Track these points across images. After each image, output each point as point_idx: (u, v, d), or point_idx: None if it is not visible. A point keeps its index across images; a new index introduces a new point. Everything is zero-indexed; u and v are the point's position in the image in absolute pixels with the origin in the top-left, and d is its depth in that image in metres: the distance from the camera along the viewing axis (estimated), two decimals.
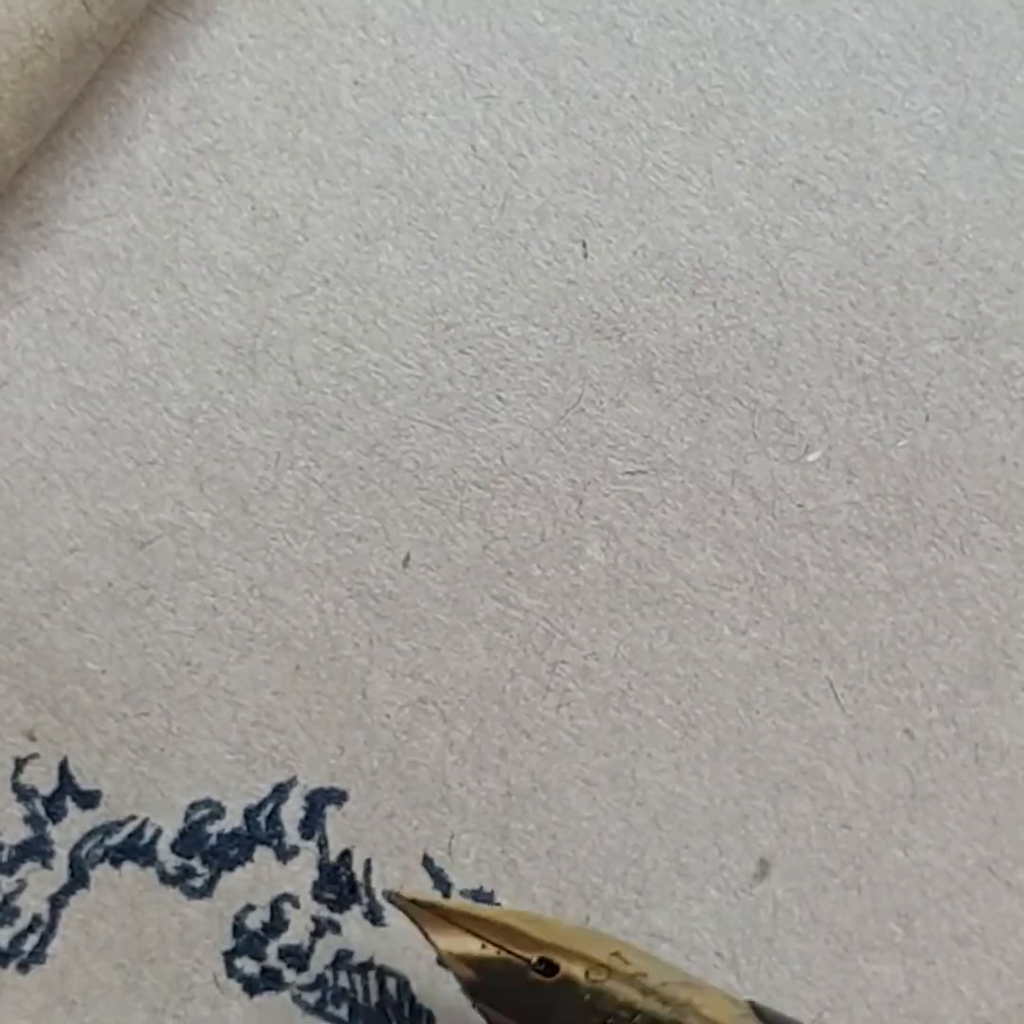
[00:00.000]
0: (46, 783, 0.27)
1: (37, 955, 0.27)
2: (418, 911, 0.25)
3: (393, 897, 0.25)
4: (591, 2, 0.29)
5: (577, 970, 0.24)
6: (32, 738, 0.27)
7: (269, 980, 0.28)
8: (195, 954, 0.28)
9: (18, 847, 0.27)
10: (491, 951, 0.24)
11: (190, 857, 0.28)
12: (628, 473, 0.29)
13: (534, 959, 0.24)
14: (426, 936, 0.25)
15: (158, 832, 0.28)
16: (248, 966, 0.28)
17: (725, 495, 0.29)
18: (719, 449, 0.29)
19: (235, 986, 0.28)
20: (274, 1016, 0.28)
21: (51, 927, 0.27)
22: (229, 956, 0.28)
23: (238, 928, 0.28)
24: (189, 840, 0.28)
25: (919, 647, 0.30)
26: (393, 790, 0.28)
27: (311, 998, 0.28)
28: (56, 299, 0.28)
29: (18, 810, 0.27)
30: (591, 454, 0.29)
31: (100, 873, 0.27)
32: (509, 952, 0.24)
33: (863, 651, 0.30)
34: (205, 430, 0.28)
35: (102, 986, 0.27)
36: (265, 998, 0.28)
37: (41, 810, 0.27)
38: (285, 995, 0.28)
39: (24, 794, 0.27)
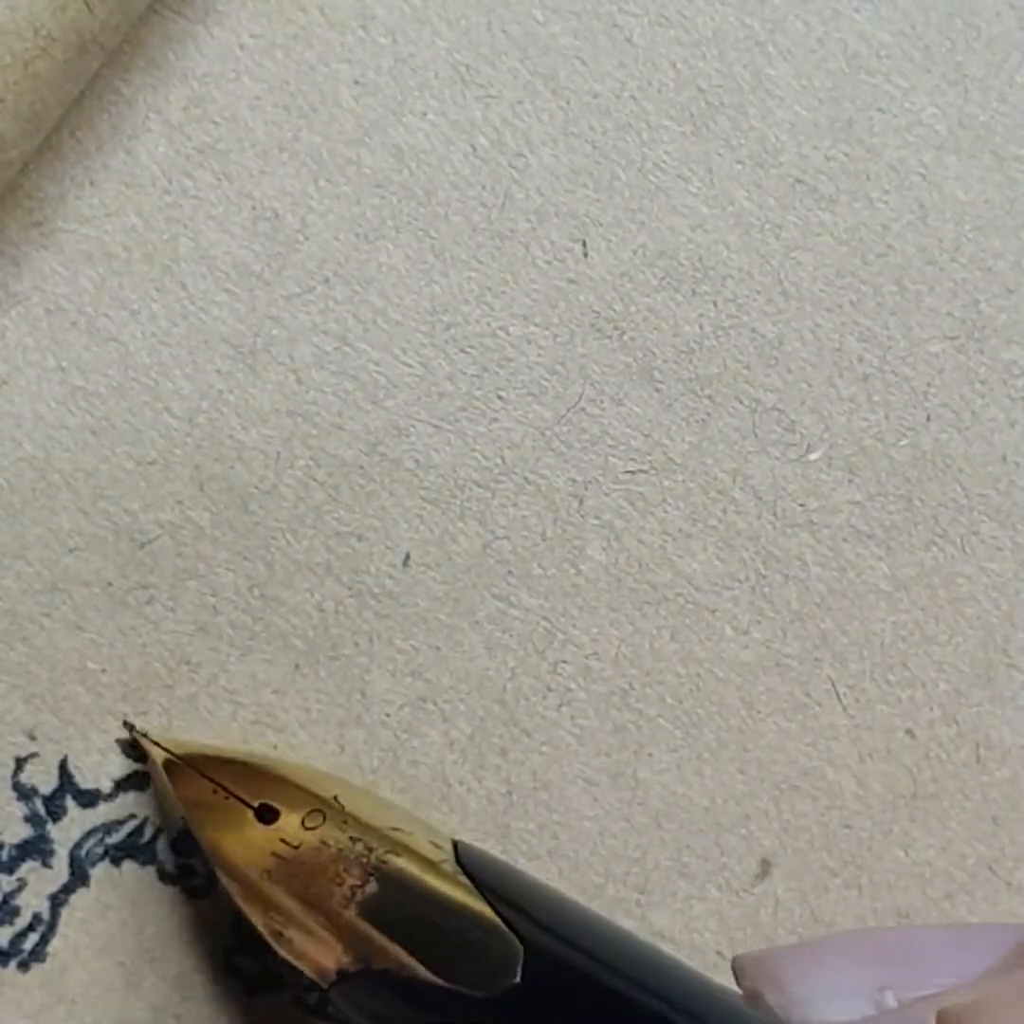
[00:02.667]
0: (46, 782, 0.27)
1: (37, 954, 0.27)
2: (157, 752, 0.26)
3: (135, 734, 0.27)
4: (591, 2, 0.29)
5: (294, 816, 0.25)
6: (32, 737, 0.27)
7: (269, 980, 0.28)
8: (195, 954, 0.27)
9: (18, 846, 0.27)
10: (220, 796, 0.26)
11: (190, 856, 0.28)
12: (629, 472, 0.29)
13: (256, 804, 0.26)
14: (162, 778, 0.26)
15: (158, 831, 0.28)
16: (248, 966, 0.28)
17: (726, 494, 0.29)
18: (720, 448, 0.29)
19: (235, 986, 0.28)
20: (274, 1016, 0.28)
21: (51, 926, 0.27)
22: (229, 956, 0.28)
23: (238, 928, 0.28)
24: (189, 839, 0.28)
25: (920, 646, 0.30)
26: (393, 789, 0.28)
27: (312, 998, 0.28)
28: (56, 298, 0.28)
29: (18, 809, 0.27)
30: (592, 453, 0.29)
31: (100, 872, 0.27)
32: (235, 797, 0.26)
33: (864, 650, 0.30)
34: (205, 429, 0.28)
35: (103, 985, 0.27)
36: (265, 998, 0.28)
37: (41, 809, 0.27)
38: (285, 995, 0.28)
39: (24, 793, 0.27)
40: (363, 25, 0.29)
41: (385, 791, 0.28)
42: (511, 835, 0.28)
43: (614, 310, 0.29)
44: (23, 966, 0.27)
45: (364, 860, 0.25)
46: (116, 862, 0.27)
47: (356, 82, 0.29)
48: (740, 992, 0.24)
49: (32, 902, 0.27)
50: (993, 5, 0.31)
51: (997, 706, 0.30)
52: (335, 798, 0.26)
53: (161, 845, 0.28)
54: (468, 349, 0.29)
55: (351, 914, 0.24)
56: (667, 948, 0.28)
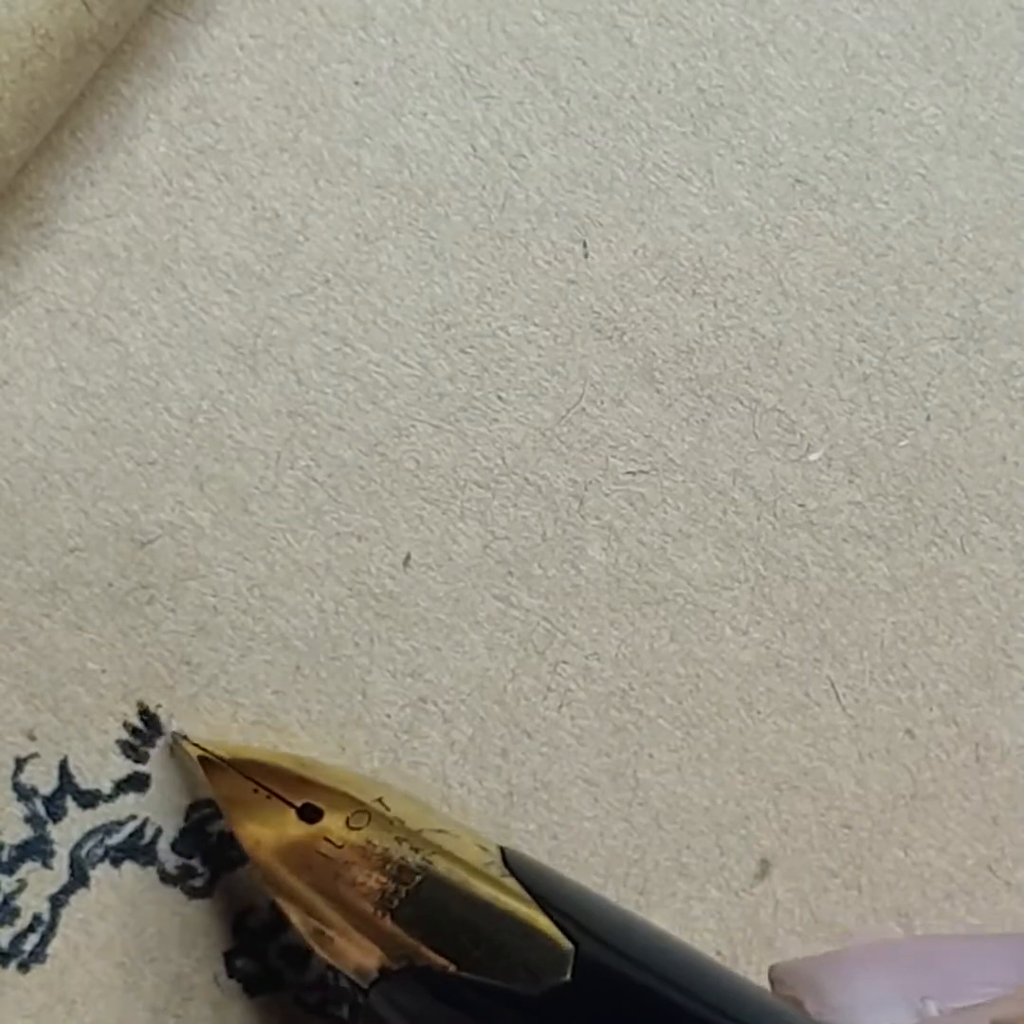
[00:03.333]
0: (46, 783, 0.27)
1: (37, 955, 0.27)
2: (197, 753, 0.27)
3: (178, 739, 0.27)
4: (591, 2, 0.29)
5: (338, 817, 0.25)
6: (32, 738, 0.27)
7: (269, 980, 0.28)
8: (195, 954, 0.27)
9: (18, 847, 0.27)
10: (262, 795, 0.26)
11: (190, 857, 0.28)
12: (629, 473, 0.29)
13: (299, 804, 0.25)
14: (204, 779, 0.26)
15: (158, 832, 0.28)
16: (248, 966, 0.28)
17: (726, 495, 0.29)
18: (720, 449, 0.29)
19: (235, 986, 0.28)
20: (274, 1016, 0.28)
21: (51, 927, 0.27)
22: (229, 956, 0.28)
23: (238, 928, 0.28)
24: (189, 840, 0.28)
25: (920, 647, 0.30)
26: None
27: (312, 998, 0.28)
28: (56, 299, 0.28)
29: (18, 810, 0.27)
30: (592, 454, 0.29)
31: (100, 873, 0.27)
32: (278, 796, 0.26)
33: (864, 651, 0.30)
34: (205, 430, 0.28)
35: (102, 986, 0.27)
36: (265, 998, 0.28)
37: (41, 810, 0.27)
38: (285, 995, 0.28)
39: (24, 794, 0.27)
40: (363, 26, 0.29)
41: None
42: (512, 836, 0.28)
43: (614, 310, 0.29)
44: (23, 967, 0.27)
45: (410, 861, 0.25)
46: (116, 863, 0.27)
47: (356, 82, 0.29)
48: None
49: (32, 903, 0.27)
50: (993, 5, 0.31)
51: (997, 706, 0.30)
52: (379, 800, 0.26)
53: (161, 846, 0.28)
54: (468, 349, 0.29)
55: (395, 914, 0.24)
56: None
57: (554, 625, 0.29)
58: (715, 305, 0.30)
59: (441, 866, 0.25)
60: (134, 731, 0.28)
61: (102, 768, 0.28)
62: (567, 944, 0.24)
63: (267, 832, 0.25)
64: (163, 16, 0.28)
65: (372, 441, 0.29)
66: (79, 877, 0.27)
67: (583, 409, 0.29)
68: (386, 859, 0.25)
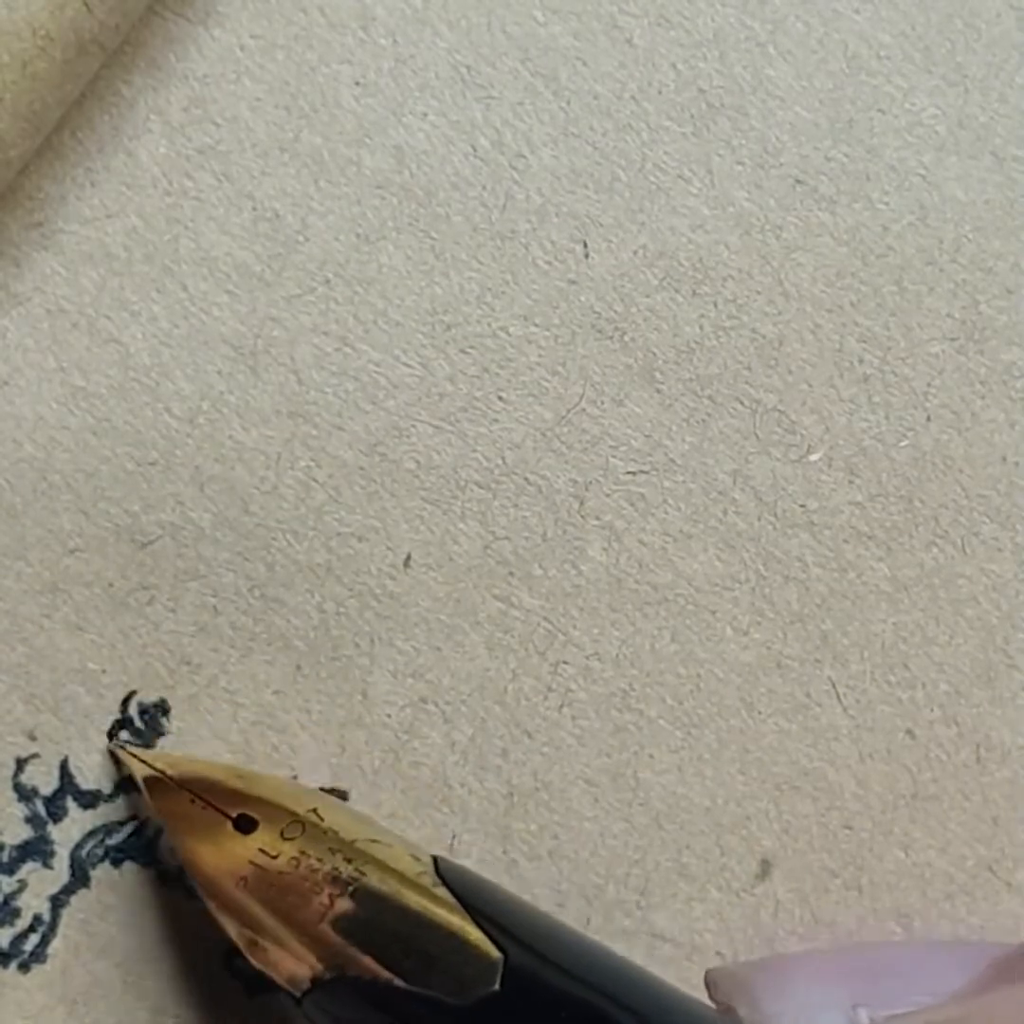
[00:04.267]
0: (47, 783, 0.27)
1: (38, 955, 0.27)
2: (136, 765, 0.27)
3: (111, 746, 0.27)
4: (591, 2, 0.29)
5: (273, 828, 0.25)
6: (32, 738, 0.27)
7: (269, 981, 0.28)
8: (195, 954, 0.27)
9: (19, 847, 0.27)
10: (198, 806, 0.26)
11: None
12: (630, 473, 0.29)
13: (235, 815, 0.26)
14: (140, 789, 0.26)
15: (158, 832, 0.28)
16: (248, 967, 0.28)
17: (727, 495, 0.29)
18: (721, 449, 0.29)
19: (235, 986, 0.28)
20: (274, 1016, 0.28)
21: (52, 927, 0.27)
22: (229, 956, 0.28)
23: None
24: None
25: (921, 647, 0.30)
26: (394, 790, 0.28)
27: None
28: (56, 299, 0.28)
29: (19, 810, 0.27)
30: (592, 454, 0.29)
31: (101, 873, 0.27)
32: (214, 807, 0.26)
33: (865, 651, 0.30)
34: (205, 430, 0.28)
35: (103, 986, 0.27)
36: (265, 998, 0.28)
37: (42, 810, 0.27)
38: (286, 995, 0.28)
39: (25, 794, 0.27)
40: (364, 26, 0.29)
41: (386, 792, 0.28)
42: (512, 836, 0.28)
43: (615, 311, 0.29)
44: (24, 967, 0.27)
45: (342, 871, 0.25)
46: (117, 863, 0.27)
47: (357, 83, 0.29)
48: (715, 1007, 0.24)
49: (33, 903, 0.27)
50: (993, 6, 0.31)
51: (997, 707, 0.30)
52: (314, 811, 0.26)
53: (162, 846, 0.27)
54: (469, 350, 0.29)
55: (328, 924, 0.24)
56: (667, 949, 0.28)
57: (555, 625, 0.29)
58: (715, 305, 0.30)
59: (374, 877, 0.25)
60: (134, 731, 0.28)
61: (103, 768, 0.28)
62: (496, 953, 0.24)
63: (204, 843, 0.25)
64: (163, 17, 0.28)
65: (372, 441, 0.29)
66: (80, 877, 0.27)
67: (583, 409, 0.29)
68: (319, 870, 0.25)
